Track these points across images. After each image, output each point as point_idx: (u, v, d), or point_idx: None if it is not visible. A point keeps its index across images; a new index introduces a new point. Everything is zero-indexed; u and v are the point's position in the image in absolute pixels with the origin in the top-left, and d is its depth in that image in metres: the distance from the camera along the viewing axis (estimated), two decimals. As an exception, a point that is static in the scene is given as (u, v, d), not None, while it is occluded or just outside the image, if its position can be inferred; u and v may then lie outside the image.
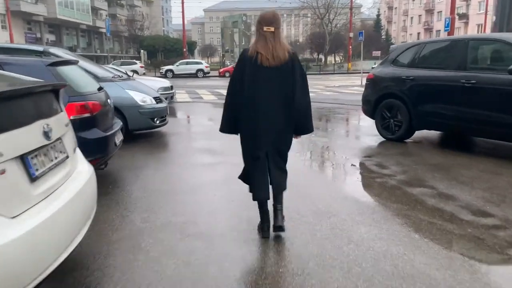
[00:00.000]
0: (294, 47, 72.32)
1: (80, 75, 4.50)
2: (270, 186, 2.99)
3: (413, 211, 3.57)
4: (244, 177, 3.18)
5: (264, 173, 2.94)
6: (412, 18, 73.98)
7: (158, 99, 7.13)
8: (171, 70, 35.30)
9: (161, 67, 37.25)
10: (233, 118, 2.96)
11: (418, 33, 71.12)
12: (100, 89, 4.55)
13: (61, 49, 7.05)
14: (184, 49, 40.90)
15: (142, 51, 48.27)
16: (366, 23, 65.83)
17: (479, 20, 53.10)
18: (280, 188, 3.00)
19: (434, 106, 5.96)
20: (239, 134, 3.04)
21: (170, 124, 8.43)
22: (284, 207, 3.10)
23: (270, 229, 3.02)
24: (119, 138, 4.64)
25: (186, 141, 7.04)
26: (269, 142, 2.89)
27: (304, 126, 2.98)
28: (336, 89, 19.14)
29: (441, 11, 65.01)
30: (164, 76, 34.34)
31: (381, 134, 6.84)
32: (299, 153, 6.02)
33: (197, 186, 4.34)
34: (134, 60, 38.31)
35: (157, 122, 6.92)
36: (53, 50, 6.51)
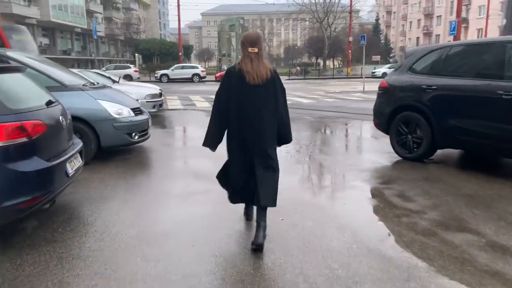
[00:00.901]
0: (292, 51, 71.90)
1: (23, 85, 3.51)
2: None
3: (463, 275, 2.59)
4: (222, 179, 3.37)
5: (245, 181, 3.09)
6: (411, 22, 73.35)
7: (137, 111, 6.15)
8: (166, 75, 34.30)
9: (156, 72, 36.25)
10: (218, 133, 3.12)
11: (418, 38, 70.48)
12: (50, 103, 3.56)
13: (24, 53, 6.06)
14: (180, 53, 39.97)
15: (136, 54, 47.20)
16: (365, 28, 65.21)
17: (479, 25, 52.52)
18: (266, 201, 3.01)
19: (462, 121, 5.00)
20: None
21: (153, 137, 7.44)
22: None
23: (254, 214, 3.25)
24: (75, 165, 3.65)
25: (169, 160, 6.05)
26: (255, 153, 3.03)
27: (285, 138, 3.26)
28: (338, 95, 18.21)
29: (440, 16, 64.44)
30: (159, 80, 33.38)
31: (396, 152, 5.87)
32: (299, 178, 5.04)
33: (172, 230, 3.35)
34: (128, 64, 37.28)
35: (136, 137, 5.92)
36: (11, 53, 5.51)
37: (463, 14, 58.07)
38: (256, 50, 2.99)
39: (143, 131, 6.16)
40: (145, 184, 4.65)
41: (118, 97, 6.16)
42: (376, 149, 6.60)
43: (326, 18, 47.81)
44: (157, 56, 53.42)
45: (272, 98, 3.02)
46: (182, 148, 7.23)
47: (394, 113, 5.85)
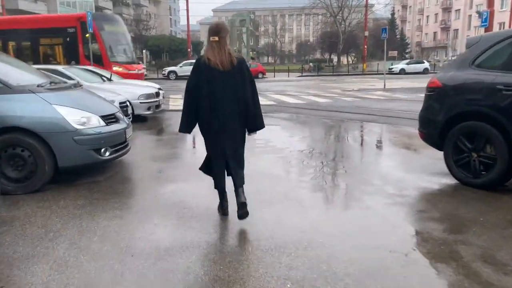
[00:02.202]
0: (305, 47, 70.41)
1: None
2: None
3: None
4: (205, 168, 3.51)
5: (222, 165, 3.32)
6: (428, 16, 70.84)
7: (111, 118, 4.73)
8: (174, 72, 33.01)
9: (164, 69, 34.98)
10: (192, 118, 3.30)
11: (435, 33, 68.03)
12: None
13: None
14: (189, 49, 38.63)
15: (144, 51, 45.98)
16: (380, 22, 63.14)
17: (501, 18, 50.14)
18: (238, 181, 3.30)
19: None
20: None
21: (142, 147, 6.13)
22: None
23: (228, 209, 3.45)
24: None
25: (152, 183, 4.61)
26: (225, 138, 3.24)
27: (256, 124, 3.35)
28: (356, 93, 16.59)
29: (459, 9, 61.93)
30: (167, 78, 32.10)
31: (454, 175, 4.35)
32: (318, 219, 3.56)
33: None
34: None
35: (106, 154, 4.51)
36: None
37: (483, 7, 55.48)
38: (216, 38, 3.17)
39: (119, 145, 4.75)
40: (102, 230, 3.21)
41: (85, 101, 4.75)
42: (420, 168, 5.06)
43: (340, 12, 45.91)
44: (166, 52, 52.17)
45: (239, 86, 3.18)
46: (174, 163, 5.77)
47: (452, 122, 4.33)
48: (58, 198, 3.99)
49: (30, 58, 15.22)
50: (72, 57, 15.27)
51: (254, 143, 6.84)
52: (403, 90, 17.41)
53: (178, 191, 4.23)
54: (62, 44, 16.21)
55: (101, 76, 10.16)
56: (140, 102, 9.07)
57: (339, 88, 20.08)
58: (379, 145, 6.83)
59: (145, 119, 9.47)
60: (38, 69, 8.42)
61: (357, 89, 18.70)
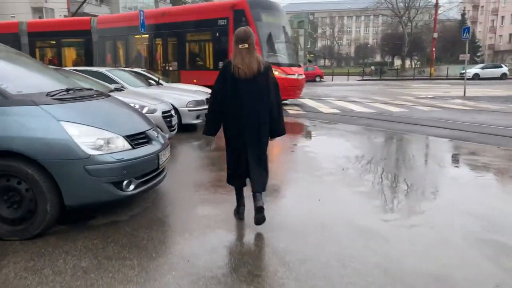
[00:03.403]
0: (364, 49, 67.43)
1: None
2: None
3: None
4: (230, 180, 3.49)
5: (242, 167, 3.32)
6: (503, 17, 64.87)
7: (140, 138, 3.55)
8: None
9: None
10: (217, 123, 3.34)
11: (511, 34, 62.08)
12: None
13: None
14: (245, 52, 37.76)
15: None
16: (447, 24, 58.82)
17: None
18: (258, 188, 3.28)
19: None
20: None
21: (183, 167, 4.96)
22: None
23: (245, 212, 3.48)
24: None
25: (185, 230, 3.35)
26: (249, 142, 3.25)
27: (277, 130, 3.40)
28: (432, 101, 14.52)
29: (541, 9, 55.94)
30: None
31: None
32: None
33: None
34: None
35: (130, 187, 3.32)
36: None
37: None
38: (246, 46, 3.16)
39: (149, 174, 3.56)
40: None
41: (107, 115, 3.61)
42: None
43: (407, 12, 42.90)
44: (223, 55, 51.91)
45: (265, 92, 3.22)
46: (220, 194, 4.39)
47: None
48: (59, 252, 2.87)
49: (175, 58, 13.30)
50: (220, 57, 12.33)
51: (320, 167, 5.43)
52: (489, 98, 15.07)
53: (220, 250, 2.93)
54: (210, 41, 13.04)
55: (148, 79, 9.27)
56: (189, 110, 8.02)
57: (409, 94, 18.00)
58: (492, 179, 5.10)
59: (194, 127, 8.41)
60: (79, 71, 7.65)
61: (431, 97, 16.55)
